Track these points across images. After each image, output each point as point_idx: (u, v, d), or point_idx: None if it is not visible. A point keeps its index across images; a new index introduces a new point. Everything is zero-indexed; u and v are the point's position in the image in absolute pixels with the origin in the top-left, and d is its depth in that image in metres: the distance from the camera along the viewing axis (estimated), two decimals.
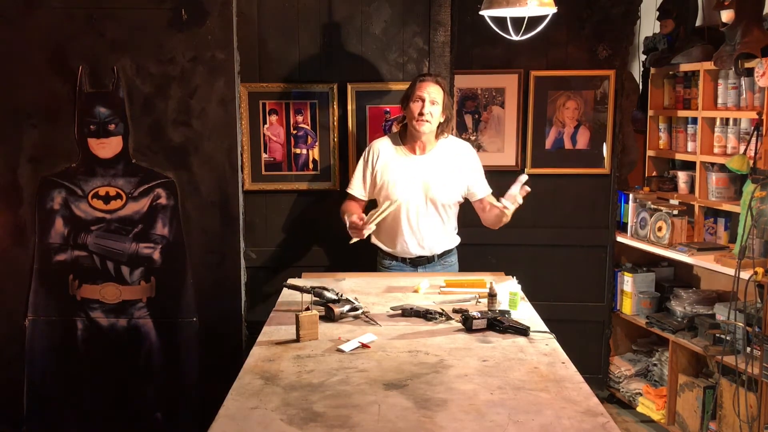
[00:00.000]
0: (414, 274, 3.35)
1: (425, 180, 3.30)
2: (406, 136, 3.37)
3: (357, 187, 3.42)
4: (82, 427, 3.46)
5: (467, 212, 3.61)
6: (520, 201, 3.13)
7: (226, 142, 3.36)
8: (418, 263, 3.41)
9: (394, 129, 3.51)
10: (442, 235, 3.40)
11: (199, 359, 3.45)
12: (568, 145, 4.08)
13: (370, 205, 3.53)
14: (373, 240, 3.45)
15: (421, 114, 3.20)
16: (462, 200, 3.42)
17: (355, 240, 3.22)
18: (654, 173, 4.39)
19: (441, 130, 3.31)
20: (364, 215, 3.23)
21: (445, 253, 3.44)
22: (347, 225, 3.21)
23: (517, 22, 3.09)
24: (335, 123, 3.80)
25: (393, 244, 3.40)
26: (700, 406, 3.66)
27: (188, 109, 3.33)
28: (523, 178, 3.10)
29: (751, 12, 3.42)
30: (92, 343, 3.43)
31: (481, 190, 3.39)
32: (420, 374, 2.16)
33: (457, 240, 3.48)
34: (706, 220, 3.92)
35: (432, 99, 3.20)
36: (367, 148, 3.45)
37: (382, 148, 3.38)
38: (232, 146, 3.36)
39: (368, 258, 3.56)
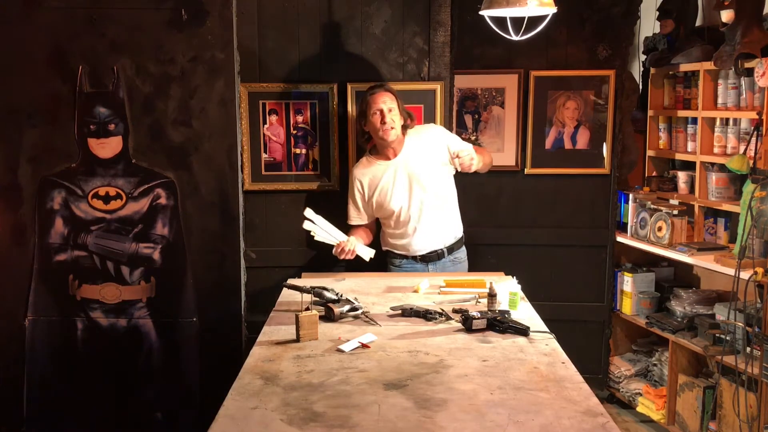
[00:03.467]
0: (422, 274, 3.38)
1: (410, 175, 3.40)
2: (376, 149, 3.47)
3: (354, 218, 3.54)
4: (82, 427, 3.46)
5: (467, 211, 3.62)
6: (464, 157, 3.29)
7: (226, 142, 3.36)
8: (429, 259, 3.47)
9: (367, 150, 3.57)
10: (447, 221, 3.48)
11: (199, 359, 3.45)
12: (568, 145, 4.08)
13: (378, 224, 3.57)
14: (384, 248, 3.54)
15: (383, 123, 3.32)
16: (452, 171, 3.47)
17: (344, 256, 3.40)
18: (654, 173, 4.39)
19: (404, 131, 3.43)
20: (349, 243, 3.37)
21: (455, 247, 3.50)
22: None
23: (517, 22, 3.09)
24: (335, 123, 3.80)
25: (403, 246, 3.48)
26: (700, 406, 3.66)
27: (188, 109, 3.33)
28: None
29: (751, 12, 3.41)
30: (92, 343, 3.43)
31: (459, 146, 3.44)
32: (420, 374, 2.16)
33: (461, 228, 3.56)
34: (706, 220, 3.92)
35: (388, 107, 3.33)
36: (349, 180, 3.56)
37: (359, 174, 3.49)
38: (232, 146, 3.36)
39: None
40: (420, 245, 3.45)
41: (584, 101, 4.03)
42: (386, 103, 3.32)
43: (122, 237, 3.38)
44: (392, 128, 3.33)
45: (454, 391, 2.04)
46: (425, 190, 3.39)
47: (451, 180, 3.50)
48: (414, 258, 3.48)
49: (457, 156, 3.31)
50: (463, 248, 3.56)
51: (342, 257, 3.39)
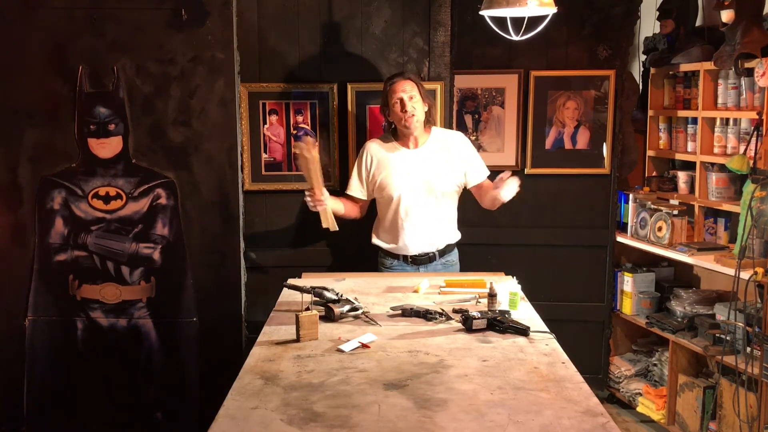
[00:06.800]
0: (415, 274, 3.36)
1: (422, 171, 3.36)
2: (398, 135, 3.43)
3: (354, 187, 3.48)
4: (82, 427, 3.47)
5: (467, 212, 3.61)
6: (512, 188, 3.21)
7: (226, 142, 3.36)
8: (420, 262, 3.42)
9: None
10: (442, 227, 3.43)
11: (199, 359, 3.45)
12: (568, 145, 4.07)
13: (370, 207, 3.55)
14: (374, 240, 3.48)
15: (404, 111, 3.28)
16: (460, 190, 3.46)
17: (313, 206, 3.24)
18: (654, 173, 4.39)
19: (427, 119, 3.40)
20: (324, 191, 3.24)
21: (447, 251, 3.46)
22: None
23: (517, 22, 3.09)
24: (335, 123, 3.80)
25: (394, 240, 3.42)
26: (700, 406, 3.66)
27: (188, 109, 3.33)
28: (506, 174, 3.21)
29: (751, 12, 3.41)
30: (92, 343, 3.43)
31: (477, 175, 3.44)
32: (420, 374, 2.16)
33: (458, 235, 3.51)
34: (706, 220, 3.92)
35: (409, 95, 3.29)
36: (361, 149, 3.51)
37: (374, 147, 3.45)
38: (232, 146, 3.37)
39: (368, 258, 3.56)
40: (410, 244, 3.39)
41: (584, 101, 4.03)
42: (406, 91, 3.28)
43: (122, 237, 3.39)
44: (413, 115, 3.29)
45: (454, 391, 2.04)
46: (430, 193, 3.35)
47: (457, 192, 3.45)
48: (405, 260, 3.43)
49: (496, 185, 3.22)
50: (455, 251, 3.52)
51: (309, 203, 3.24)
